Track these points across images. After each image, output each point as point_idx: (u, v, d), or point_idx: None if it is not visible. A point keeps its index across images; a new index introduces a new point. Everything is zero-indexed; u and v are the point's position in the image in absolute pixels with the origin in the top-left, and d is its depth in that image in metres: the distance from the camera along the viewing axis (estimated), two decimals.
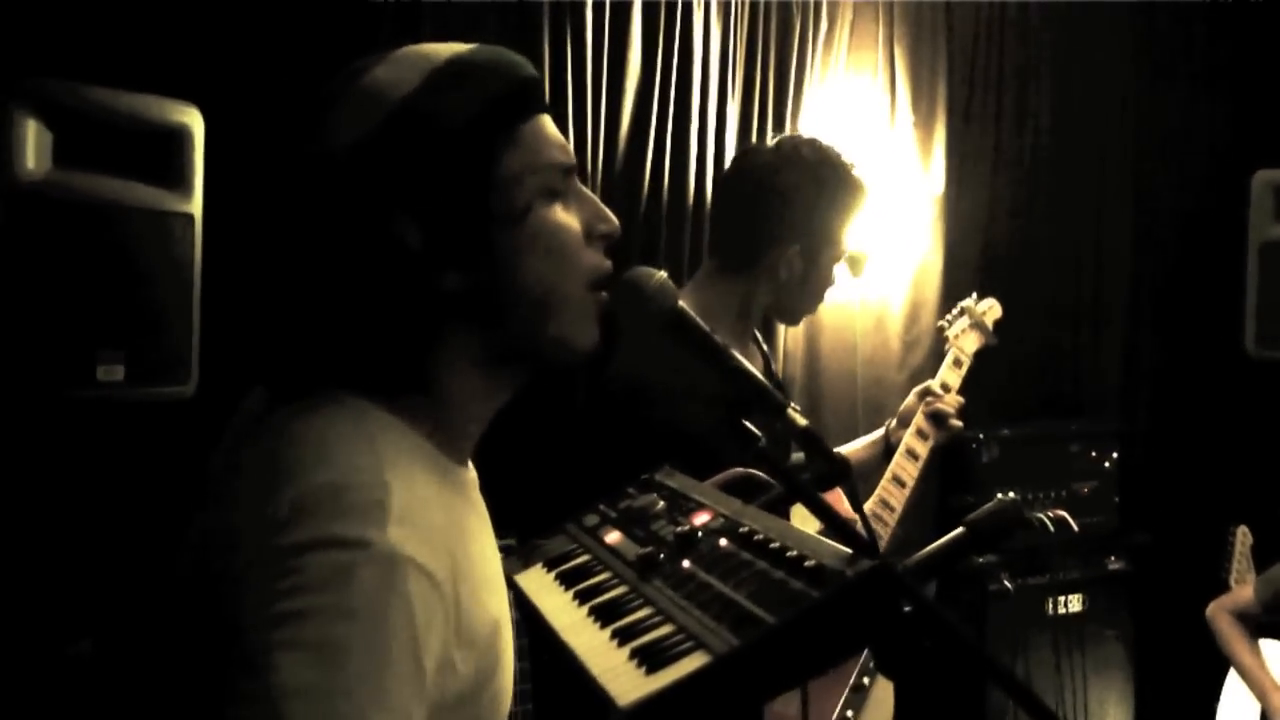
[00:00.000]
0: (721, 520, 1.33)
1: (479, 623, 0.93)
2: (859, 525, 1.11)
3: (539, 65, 2.87)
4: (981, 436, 3.33)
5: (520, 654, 1.25)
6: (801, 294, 2.19)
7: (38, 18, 2.02)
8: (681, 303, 1.12)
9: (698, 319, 1.12)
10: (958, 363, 2.49)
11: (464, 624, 0.90)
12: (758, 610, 1.06)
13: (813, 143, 2.22)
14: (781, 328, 3.32)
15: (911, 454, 2.34)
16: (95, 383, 2.00)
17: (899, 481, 2.30)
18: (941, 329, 2.57)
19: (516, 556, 1.59)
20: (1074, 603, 3.33)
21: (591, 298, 1.05)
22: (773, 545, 1.16)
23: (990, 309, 2.61)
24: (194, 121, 2.13)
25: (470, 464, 1.11)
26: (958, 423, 2.39)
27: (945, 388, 2.43)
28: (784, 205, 2.12)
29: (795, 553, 1.12)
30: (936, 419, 2.36)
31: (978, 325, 2.56)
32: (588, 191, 1.08)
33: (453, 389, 1.02)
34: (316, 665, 0.76)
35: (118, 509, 2.03)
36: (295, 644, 0.77)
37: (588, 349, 1.07)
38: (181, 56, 2.25)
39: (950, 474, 3.42)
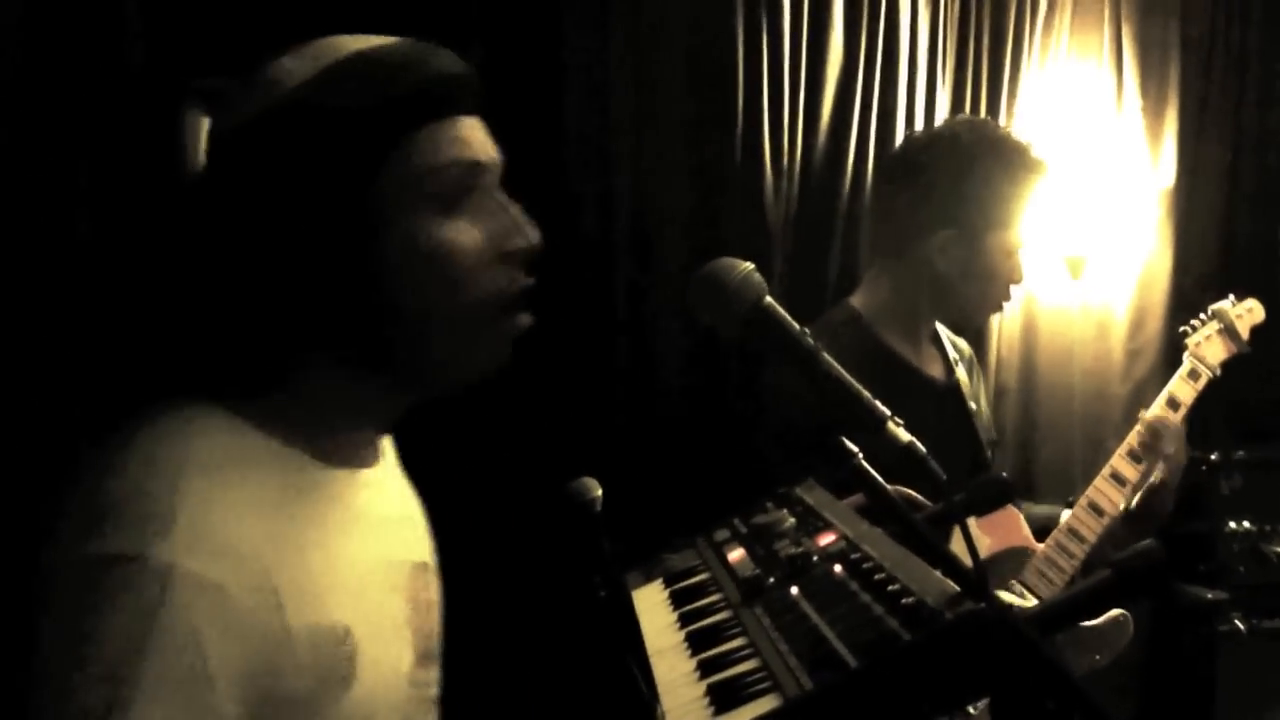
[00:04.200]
0: (843, 544, 1.22)
1: (312, 630, 0.88)
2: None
3: (730, 53, 2.74)
4: (1214, 458, 2.99)
5: None
6: (968, 287, 1.98)
7: (212, 17, 2.06)
8: (769, 299, 0.99)
9: (786, 317, 0.99)
10: (1194, 375, 2.13)
11: (287, 634, 0.86)
12: (843, 651, 0.95)
13: (977, 122, 2.04)
14: (995, 334, 3.10)
15: (1118, 478, 2.03)
16: None
17: (1096, 509, 2.00)
18: (1184, 334, 2.21)
19: (640, 570, 1.53)
20: None
21: (492, 320, 0.97)
22: (878, 577, 1.04)
23: (1250, 311, 2.25)
24: None
25: (376, 460, 1.05)
26: (1170, 449, 2.01)
27: (1174, 404, 2.11)
28: (930, 185, 1.95)
29: (897, 587, 0.99)
30: (1146, 446, 2.04)
31: (1228, 331, 2.19)
32: (505, 201, 0.99)
33: (316, 389, 0.96)
34: (95, 687, 0.76)
35: None
36: (72, 666, 0.76)
37: (484, 370, 0.99)
38: None
39: (1180, 499, 3.08)
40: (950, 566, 0.94)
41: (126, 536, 0.80)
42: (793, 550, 1.27)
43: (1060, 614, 1.01)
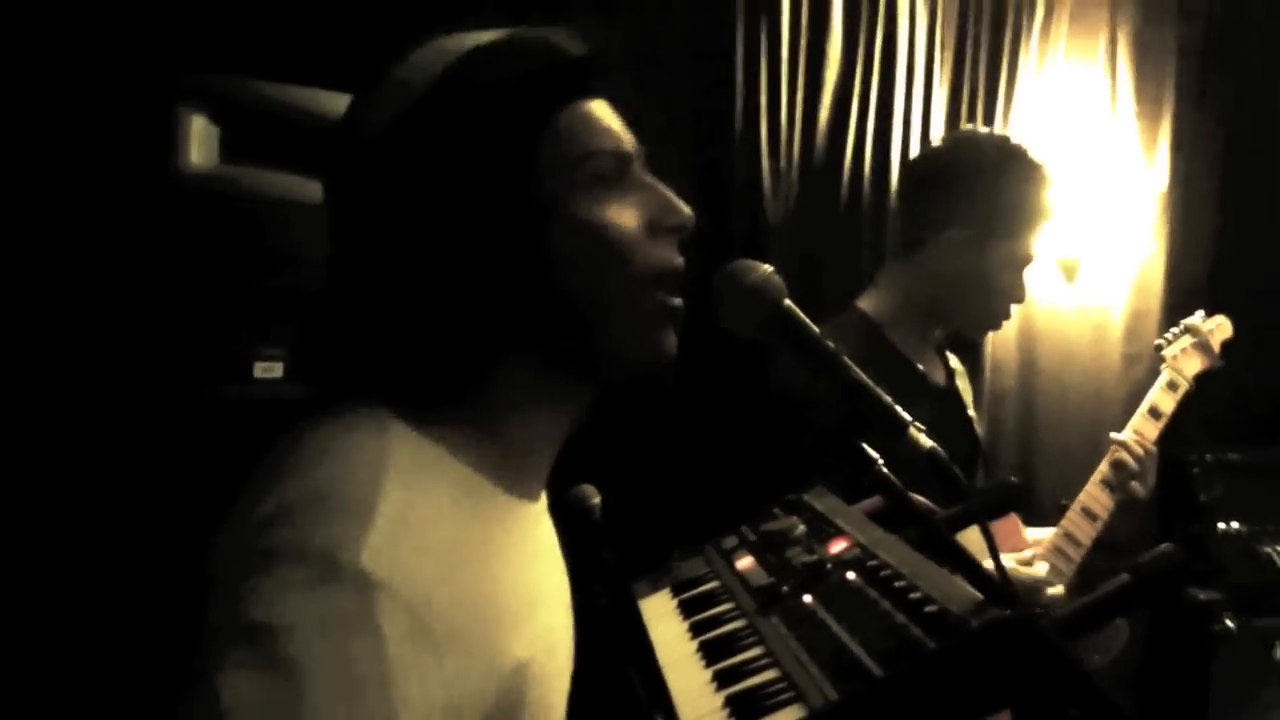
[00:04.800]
0: (856, 551, 1.21)
1: (490, 663, 0.82)
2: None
3: (729, 54, 2.76)
4: (1209, 459, 3.00)
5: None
6: (968, 293, 1.98)
7: (203, 14, 2.04)
8: (788, 301, 0.98)
9: (806, 320, 0.98)
10: (1172, 385, 2.19)
11: (467, 662, 0.79)
12: (867, 660, 0.94)
13: (996, 135, 2.06)
14: (990, 337, 3.09)
15: (1108, 483, 2.06)
16: (253, 380, 2.00)
17: (1089, 514, 2.02)
18: (1159, 347, 2.27)
19: (647, 579, 1.51)
20: None
21: (653, 300, 0.93)
22: (898, 584, 1.03)
23: (1219, 327, 2.31)
24: None
25: (540, 494, 1.00)
26: (1138, 486, 2.04)
27: (1156, 413, 2.15)
28: (945, 185, 1.97)
29: (919, 595, 0.98)
30: (1118, 469, 2.06)
31: (1202, 346, 2.26)
32: (654, 180, 0.96)
33: (506, 407, 0.91)
34: (266, 685, 0.68)
35: None
36: (246, 660, 0.69)
37: (656, 361, 0.94)
38: (350, 48, 2.24)
39: (1172, 502, 3.09)
40: (974, 573, 0.93)
41: (322, 533, 0.74)
42: (806, 558, 1.25)
43: (1082, 619, 1.00)
